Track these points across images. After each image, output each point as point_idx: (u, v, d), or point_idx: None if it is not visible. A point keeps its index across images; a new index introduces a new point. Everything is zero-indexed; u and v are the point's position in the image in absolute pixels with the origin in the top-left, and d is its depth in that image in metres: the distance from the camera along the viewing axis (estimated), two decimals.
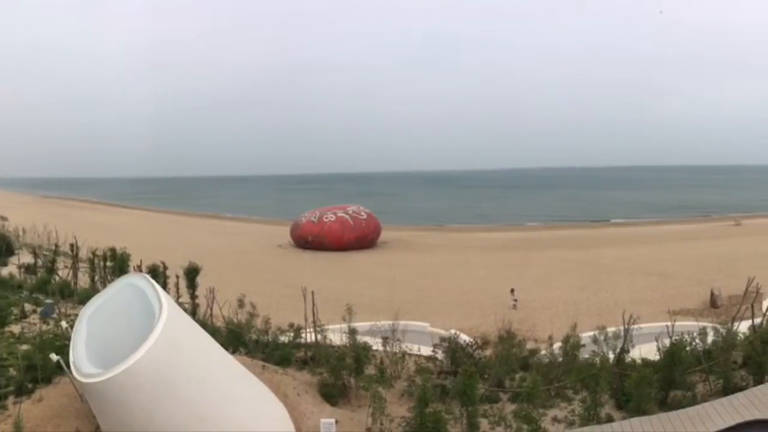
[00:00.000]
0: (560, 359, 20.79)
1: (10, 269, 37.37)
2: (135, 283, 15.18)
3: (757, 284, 22.58)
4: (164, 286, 22.83)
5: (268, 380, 17.75)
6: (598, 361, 18.82)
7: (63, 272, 34.95)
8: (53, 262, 35.92)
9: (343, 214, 77.81)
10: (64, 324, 20.92)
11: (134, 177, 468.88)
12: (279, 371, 19.11)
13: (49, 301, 26.43)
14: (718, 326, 20.08)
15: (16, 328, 22.83)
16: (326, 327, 22.03)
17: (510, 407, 18.04)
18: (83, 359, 13.58)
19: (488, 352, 21.60)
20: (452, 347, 21.26)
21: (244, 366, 17.37)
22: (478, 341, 22.28)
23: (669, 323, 20.28)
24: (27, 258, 40.77)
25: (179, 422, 13.13)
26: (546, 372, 19.69)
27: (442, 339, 22.64)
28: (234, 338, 22.21)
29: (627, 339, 19.94)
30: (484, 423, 16.77)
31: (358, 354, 19.45)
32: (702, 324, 21.34)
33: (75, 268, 34.30)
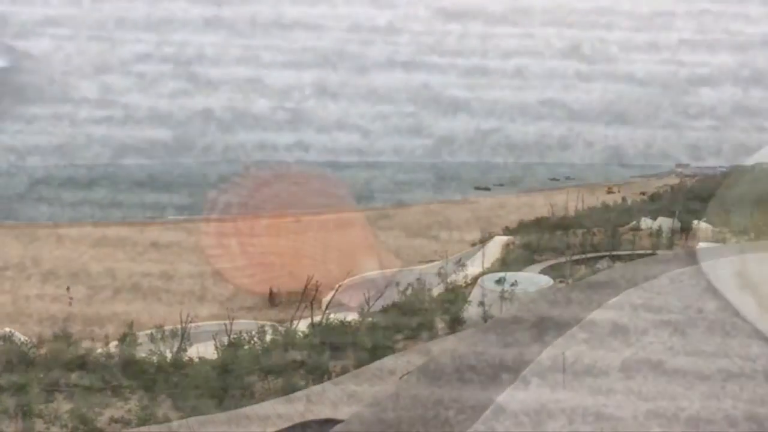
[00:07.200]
0: (117, 358, 19.65)
1: None
2: None
3: (317, 282, 23.78)
4: None
5: None
6: (155, 360, 18.35)
7: None
8: None
9: None
10: None
11: None
12: None
13: None
14: (277, 324, 20.88)
15: None
16: None
17: (66, 406, 16.72)
18: None
19: (43, 350, 20.11)
20: None
21: None
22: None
23: (227, 321, 20.46)
24: None
25: None
26: (103, 371, 18.50)
27: None
28: None
29: (184, 337, 19.68)
30: (39, 422, 15.61)
31: None
32: (261, 322, 22.01)
33: None
